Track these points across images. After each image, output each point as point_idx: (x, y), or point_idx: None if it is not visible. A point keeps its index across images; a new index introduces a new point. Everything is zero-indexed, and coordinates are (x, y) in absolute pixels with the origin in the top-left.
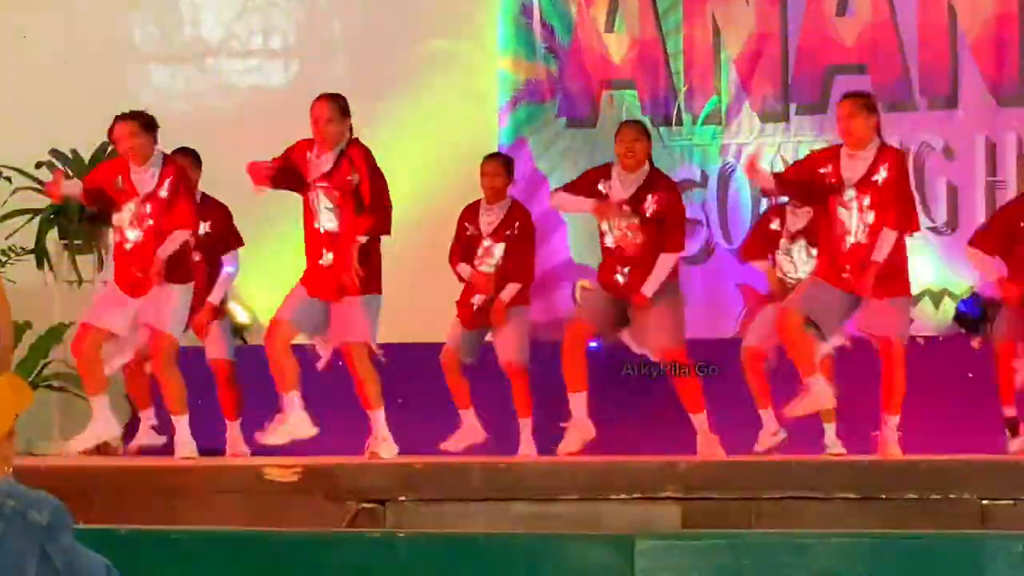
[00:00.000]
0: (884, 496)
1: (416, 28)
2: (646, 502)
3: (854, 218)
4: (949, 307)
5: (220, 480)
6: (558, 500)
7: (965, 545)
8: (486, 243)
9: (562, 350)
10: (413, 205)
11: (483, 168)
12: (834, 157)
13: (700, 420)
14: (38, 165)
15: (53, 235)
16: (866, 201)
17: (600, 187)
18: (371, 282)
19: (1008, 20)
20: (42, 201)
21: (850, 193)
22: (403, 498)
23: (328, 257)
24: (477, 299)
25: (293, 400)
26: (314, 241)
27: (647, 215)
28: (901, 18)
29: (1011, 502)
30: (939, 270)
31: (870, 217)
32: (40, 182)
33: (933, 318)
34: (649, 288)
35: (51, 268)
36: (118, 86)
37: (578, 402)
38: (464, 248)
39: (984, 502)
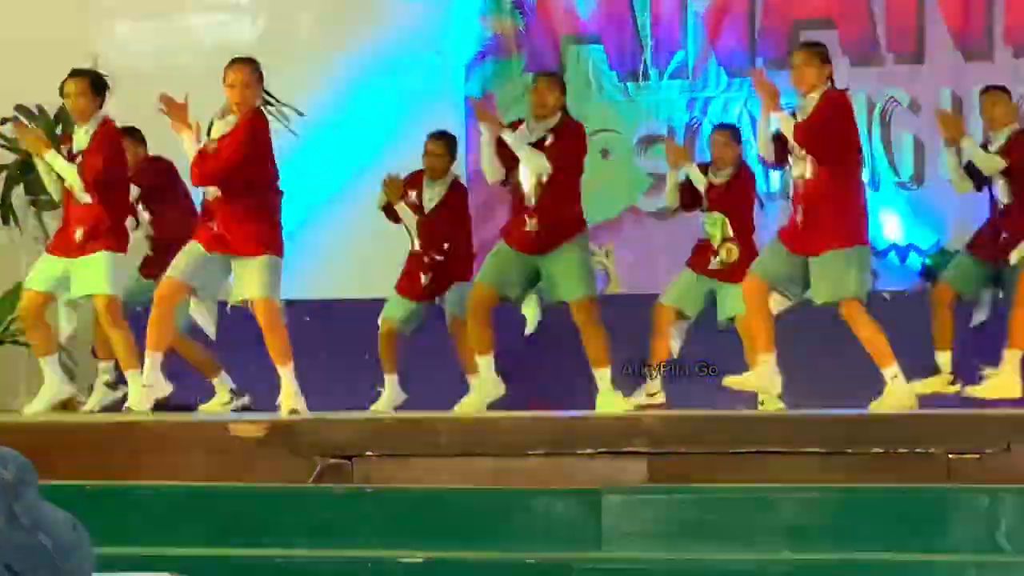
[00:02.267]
0: (850, 450)
1: None
2: (613, 457)
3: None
4: (915, 262)
5: (186, 436)
6: (525, 455)
7: (931, 498)
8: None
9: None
10: (378, 160)
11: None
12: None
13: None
14: (3, 121)
15: (19, 191)
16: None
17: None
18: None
19: None
20: (7, 157)
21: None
22: (370, 453)
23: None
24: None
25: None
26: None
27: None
28: None
29: (977, 456)
30: (905, 224)
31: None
32: (5, 138)
33: (899, 273)
34: None
35: (17, 225)
36: (83, 42)
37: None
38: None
39: (950, 456)
